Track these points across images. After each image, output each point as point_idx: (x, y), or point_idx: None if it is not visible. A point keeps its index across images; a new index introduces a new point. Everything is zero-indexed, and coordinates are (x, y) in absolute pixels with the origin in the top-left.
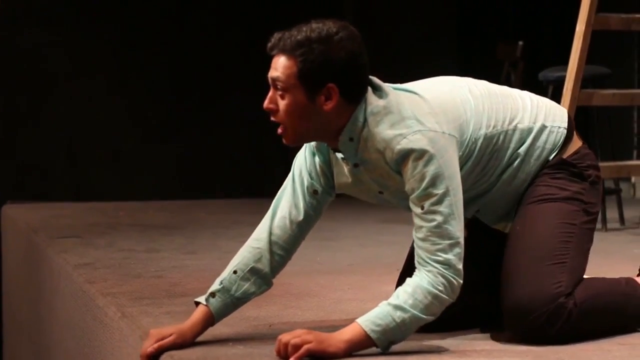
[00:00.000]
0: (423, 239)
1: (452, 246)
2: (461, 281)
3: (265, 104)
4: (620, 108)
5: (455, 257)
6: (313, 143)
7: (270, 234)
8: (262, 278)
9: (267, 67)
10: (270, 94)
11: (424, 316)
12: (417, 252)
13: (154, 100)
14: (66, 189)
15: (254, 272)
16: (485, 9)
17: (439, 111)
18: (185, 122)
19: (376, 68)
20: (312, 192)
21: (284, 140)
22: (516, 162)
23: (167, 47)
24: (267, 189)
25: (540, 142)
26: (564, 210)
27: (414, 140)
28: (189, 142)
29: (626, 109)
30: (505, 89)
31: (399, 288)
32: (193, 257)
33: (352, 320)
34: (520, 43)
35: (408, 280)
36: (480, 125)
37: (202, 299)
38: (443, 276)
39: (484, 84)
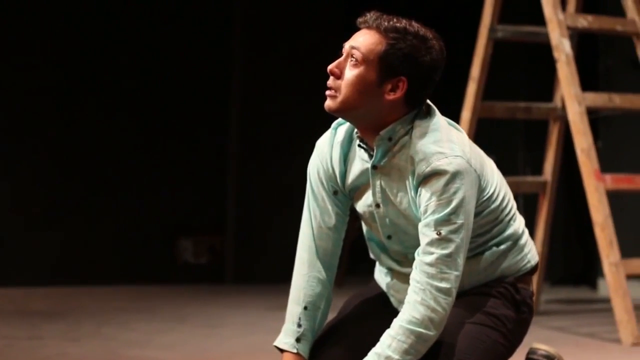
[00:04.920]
0: (431, 264)
1: (457, 278)
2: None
3: (332, 66)
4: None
5: (455, 290)
6: (340, 136)
7: (317, 250)
8: (327, 299)
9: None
10: (340, 59)
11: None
12: (418, 277)
13: (38, 186)
14: None
15: (320, 298)
16: None
17: (475, 154)
18: (68, 209)
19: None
20: (333, 193)
21: (327, 103)
22: (486, 254)
23: (50, 132)
24: (150, 277)
25: (514, 255)
26: (486, 325)
27: (453, 163)
28: (72, 229)
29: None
30: None
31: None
32: (76, 345)
33: None
34: None
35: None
36: (490, 193)
37: (289, 347)
38: (439, 303)
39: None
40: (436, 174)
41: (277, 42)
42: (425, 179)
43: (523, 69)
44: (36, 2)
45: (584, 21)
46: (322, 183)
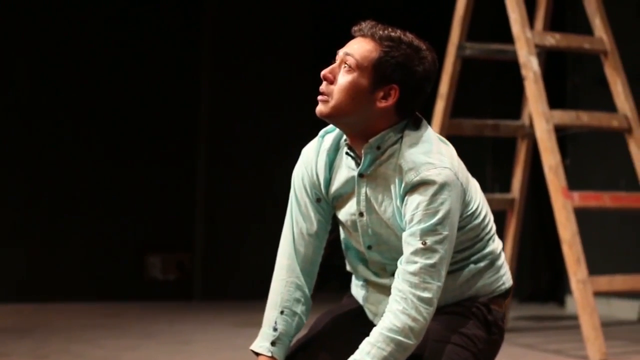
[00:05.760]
0: (414, 274)
1: (438, 289)
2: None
3: (325, 71)
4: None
5: (436, 300)
6: (326, 144)
7: (296, 255)
8: (305, 304)
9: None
10: (333, 65)
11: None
12: (400, 285)
13: (4, 202)
14: None
15: (297, 303)
16: None
17: (462, 168)
18: (36, 226)
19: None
20: (316, 200)
21: (319, 108)
22: (464, 270)
23: (17, 148)
24: (118, 293)
25: (490, 275)
26: (457, 344)
27: (442, 174)
28: (40, 245)
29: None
30: None
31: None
32: None
33: None
34: None
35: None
36: (473, 209)
37: (264, 350)
38: (420, 313)
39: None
40: (424, 183)
41: (245, 61)
42: (412, 188)
43: (488, 85)
44: (3, 16)
45: (551, 39)
46: (305, 190)
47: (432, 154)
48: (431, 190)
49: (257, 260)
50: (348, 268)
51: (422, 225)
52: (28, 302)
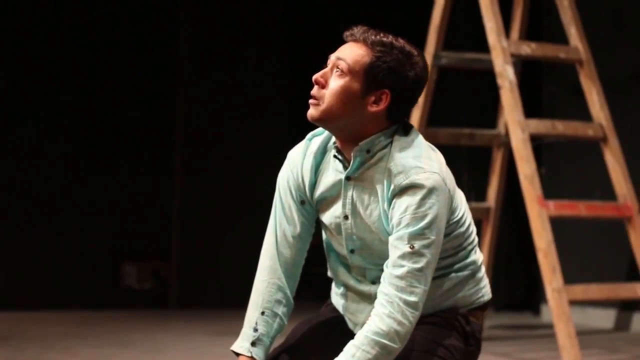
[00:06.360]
0: (401, 277)
1: (424, 293)
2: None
3: (317, 75)
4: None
5: (422, 305)
6: (313, 147)
7: (279, 257)
8: (286, 306)
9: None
10: (325, 70)
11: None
12: (387, 289)
13: None
14: None
15: (278, 304)
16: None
17: (450, 175)
18: (12, 234)
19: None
20: (300, 203)
21: (310, 112)
22: (445, 279)
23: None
24: (94, 302)
25: (470, 286)
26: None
27: (431, 179)
28: (15, 253)
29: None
30: None
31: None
32: None
33: None
34: None
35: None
36: (459, 217)
37: (244, 350)
38: (406, 317)
39: None
40: (413, 187)
41: (221, 68)
42: (401, 191)
43: (464, 94)
44: None
45: (527, 48)
46: (290, 192)
47: (421, 158)
48: (420, 194)
49: (232, 269)
50: (329, 273)
51: (410, 229)
52: (3, 310)
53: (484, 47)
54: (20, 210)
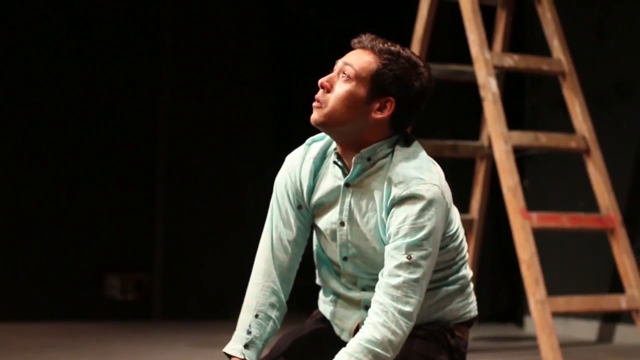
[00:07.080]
0: (397, 287)
1: (418, 304)
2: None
3: (323, 79)
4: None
5: (416, 315)
6: (313, 152)
7: (274, 261)
8: (280, 310)
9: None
10: (332, 74)
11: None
12: (382, 299)
13: None
14: None
15: (272, 308)
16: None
17: (448, 188)
18: None
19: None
20: (297, 207)
21: (313, 115)
22: (435, 292)
23: None
24: (77, 313)
25: (459, 300)
26: None
27: (431, 191)
28: None
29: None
30: None
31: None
32: None
33: None
34: None
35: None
36: (453, 231)
37: (236, 352)
38: (400, 326)
39: None
40: (413, 197)
41: (204, 81)
42: (401, 201)
43: (447, 106)
44: None
45: (510, 60)
46: (288, 196)
47: (423, 170)
48: (419, 205)
49: (216, 280)
50: (317, 281)
51: (408, 240)
52: None
53: (467, 59)
54: (2, 222)
